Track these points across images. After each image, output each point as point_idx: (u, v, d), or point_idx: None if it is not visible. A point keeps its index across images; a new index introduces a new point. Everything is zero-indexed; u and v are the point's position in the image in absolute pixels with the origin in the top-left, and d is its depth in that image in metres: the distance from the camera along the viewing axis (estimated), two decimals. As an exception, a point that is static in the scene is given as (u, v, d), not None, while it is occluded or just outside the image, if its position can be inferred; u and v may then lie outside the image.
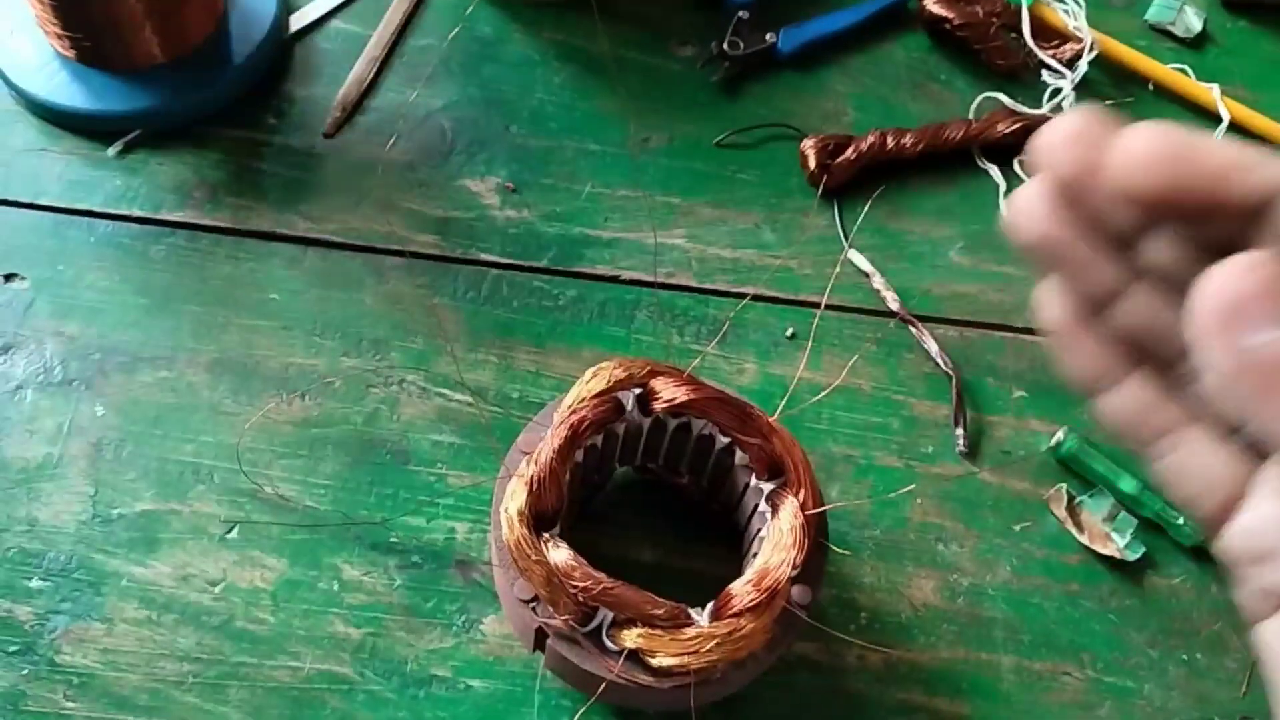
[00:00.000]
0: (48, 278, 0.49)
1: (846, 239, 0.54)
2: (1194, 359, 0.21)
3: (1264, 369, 0.20)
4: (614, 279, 0.52)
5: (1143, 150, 0.22)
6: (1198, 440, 0.24)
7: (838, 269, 0.52)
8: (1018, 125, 0.56)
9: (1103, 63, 0.60)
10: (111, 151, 0.52)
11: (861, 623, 0.45)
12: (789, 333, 0.51)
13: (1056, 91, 0.58)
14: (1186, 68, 0.60)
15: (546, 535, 0.36)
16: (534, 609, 0.36)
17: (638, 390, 0.39)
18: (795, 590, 0.37)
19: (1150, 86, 0.61)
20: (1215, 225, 0.22)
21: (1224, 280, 0.20)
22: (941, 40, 0.60)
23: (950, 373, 0.50)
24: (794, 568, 0.36)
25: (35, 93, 0.52)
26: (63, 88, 0.52)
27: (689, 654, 0.35)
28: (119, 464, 0.45)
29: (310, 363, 0.48)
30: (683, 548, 0.45)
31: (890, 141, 0.55)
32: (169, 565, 0.43)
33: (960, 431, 0.49)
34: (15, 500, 0.44)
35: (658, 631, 0.35)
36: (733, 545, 0.43)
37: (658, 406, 0.39)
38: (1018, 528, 0.47)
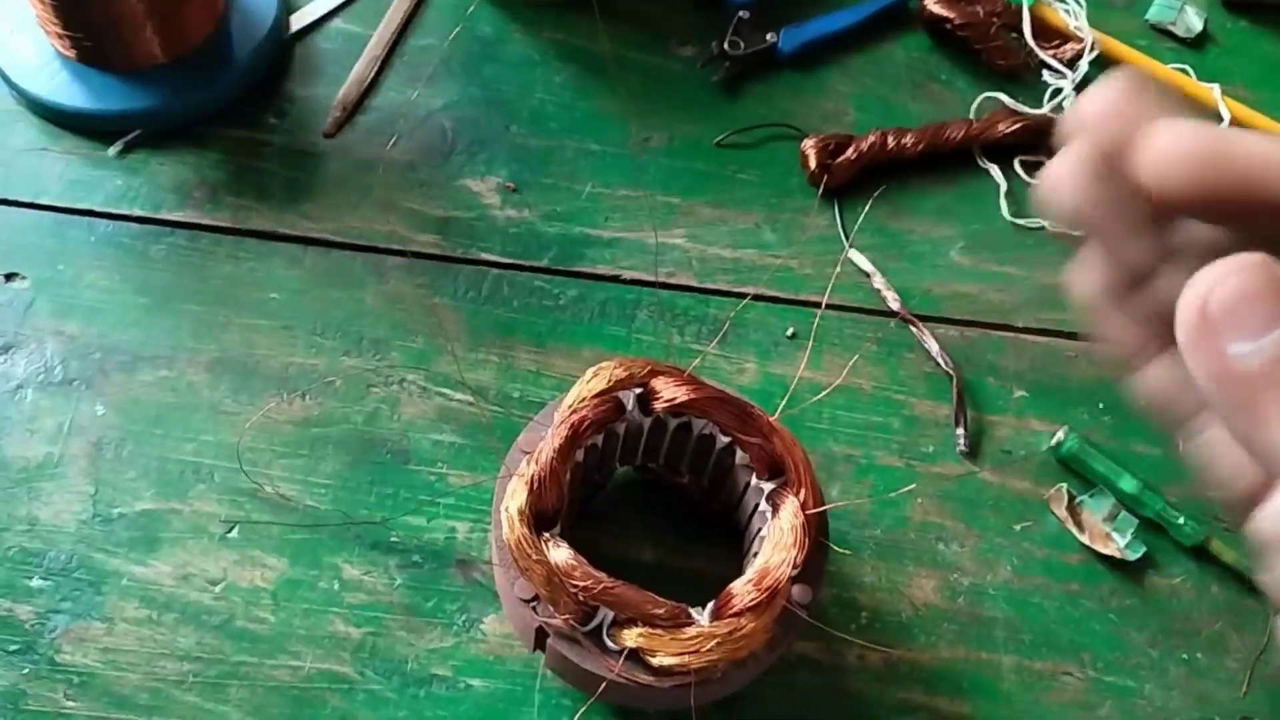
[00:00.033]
0: (48, 277, 0.49)
1: (847, 239, 0.54)
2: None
3: (1244, 381, 0.19)
4: (615, 279, 0.52)
5: (1174, 150, 0.21)
6: None
7: (838, 269, 0.52)
8: (1018, 125, 0.56)
9: (1103, 63, 0.60)
10: (112, 151, 0.52)
11: (862, 622, 0.45)
12: (789, 332, 0.51)
13: (1057, 91, 0.58)
14: (1187, 68, 0.60)
15: (547, 535, 0.36)
16: (534, 608, 0.36)
17: (638, 390, 0.39)
18: (796, 590, 0.37)
19: (1151, 86, 0.61)
20: (1259, 223, 0.21)
21: (1205, 286, 0.19)
22: (942, 40, 0.60)
23: (951, 372, 0.50)
24: (794, 567, 0.36)
25: (36, 92, 0.52)
26: (63, 87, 0.52)
27: (689, 653, 0.35)
28: (119, 463, 0.45)
29: (311, 362, 0.48)
30: (683, 547, 0.45)
31: (891, 141, 0.55)
32: (169, 565, 0.43)
33: (961, 431, 0.49)
34: (16, 499, 0.44)
35: (658, 631, 0.35)
36: (733, 545, 0.43)
37: (658, 406, 0.39)
38: (1018, 527, 0.47)
